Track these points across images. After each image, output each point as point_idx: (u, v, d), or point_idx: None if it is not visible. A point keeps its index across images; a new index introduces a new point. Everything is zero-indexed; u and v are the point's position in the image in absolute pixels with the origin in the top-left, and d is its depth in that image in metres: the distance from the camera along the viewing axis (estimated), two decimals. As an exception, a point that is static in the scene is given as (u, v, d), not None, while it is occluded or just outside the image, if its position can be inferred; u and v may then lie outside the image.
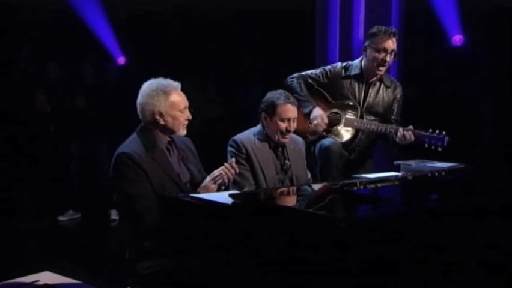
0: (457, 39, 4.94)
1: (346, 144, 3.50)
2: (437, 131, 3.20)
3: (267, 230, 1.80)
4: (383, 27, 3.44)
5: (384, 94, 3.56)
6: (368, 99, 3.53)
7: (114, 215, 5.29)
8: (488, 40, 4.93)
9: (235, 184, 2.92)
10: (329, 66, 3.67)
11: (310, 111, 3.49)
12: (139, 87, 2.65)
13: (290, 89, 3.49)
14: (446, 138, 3.16)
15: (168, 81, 2.63)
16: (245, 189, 2.90)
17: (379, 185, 2.64)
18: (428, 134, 3.22)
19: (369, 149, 3.63)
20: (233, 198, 1.95)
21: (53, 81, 5.67)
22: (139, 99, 2.62)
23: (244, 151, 3.03)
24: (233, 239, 1.88)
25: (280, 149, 3.12)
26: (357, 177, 2.97)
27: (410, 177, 2.95)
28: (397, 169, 3.38)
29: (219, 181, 2.61)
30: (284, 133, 3.05)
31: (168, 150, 2.65)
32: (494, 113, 5.16)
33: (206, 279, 1.99)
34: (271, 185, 3.02)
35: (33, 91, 5.53)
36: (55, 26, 5.76)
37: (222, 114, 6.28)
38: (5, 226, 4.93)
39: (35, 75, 5.71)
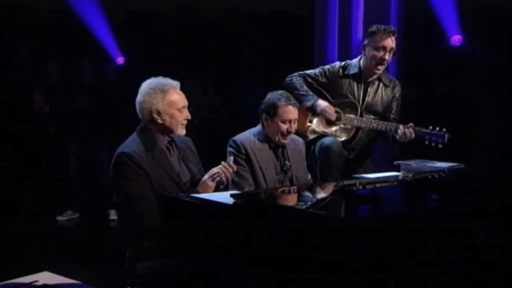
0: (456, 39, 4.94)
1: (346, 143, 3.50)
2: (437, 128, 3.20)
3: (268, 230, 1.80)
4: (382, 26, 3.45)
5: (383, 93, 3.56)
6: (367, 98, 3.53)
7: (113, 215, 5.29)
8: (488, 40, 4.93)
9: (235, 184, 2.91)
10: (327, 66, 3.67)
11: (314, 104, 3.49)
12: (139, 87, 2.65)
13: (290, 87, 3.49)
14: (446, 136, 3.17)
15: (167, 80, 2.63)
16: (245, 190, 2.89)
17: (380, 185, 2.63)
18: (428, 131, 3.23)
19: (369, 148, 3.63)
20: (234, 198, 1.94)
21: (52, 81, 5.67)
22: (138, 97, 2.63)
23: (244, 151, 3.03)
24: (233, 239, 1.88)
25: (280, 149, 3.12)
26: (358, 177, 2.97)
27: (410, 177, 2.95)
28: (397, 169, 3.39)
29: (217, 178, 2.60)
30: (285, 134, 3.05)
31: (168, 149, 2.65)
32: (494, 113, 5.16)
33: (206, 279, 1.98)
34: (271, 186, 3.01)
35: (32, 91, 5.53)
36: (54, 26, 5.77)
37: (221, 114, 6.28)
38: (3, 226, 4.93)
39: (34, 75, 5.71)
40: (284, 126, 3.03)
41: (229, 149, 3.08)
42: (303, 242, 1.68)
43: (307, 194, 2.47)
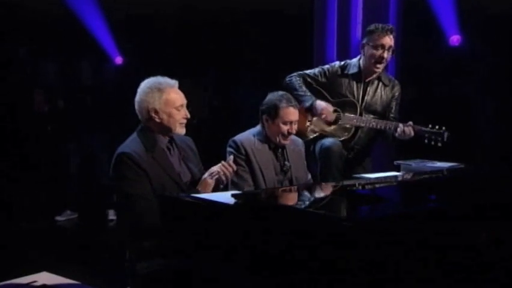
0: (455, 39, 4.95)
1: (345, 143, 3.51)
2: (437, 127, 3.21)
3: (268, 230, 1.79)
4: (380, 24, 3.46)
5: (383, 92, 3.56)
6: (366, 97, 3.54)
7: (111, 215, 5.29)
8: (486, 40, 4.94)
9: (234, 185, 2.91)
10: (327, 66, 3.67)
11: (312, 105, 3.50)
12: (138, 87, 2.65)
13: (289, 87, 3.49)
14: (446, 134, 3.18)
15: (165, 79, 2.63)
16: (245, 190, 2.89)
17: (380, 185, 2.63)
18: (427, 129, 3.24)
19: (368, 147, 3.63)
20: (235, 199, 1.94)
21: (51, 81, 5.66)
22: (136, 97, 2.63)
23: (243, 152, 3.03)
24: (234, 239, 1.87)
25: (280, 150, 3.12)
26: (358, 177, 2.97)
27: (410, 177, 2.95)
28: (397, 169, 3.39)
29: (216, 176, 2.60)
30: (286, 135, 3.05)
31: (169, 149, 2.64)
32: (494, 113, 5.17)
33: (206, 279, 1.98)
34: (271, 186, 3.01)
35: (32, 91, 5.53)
36: (53, 26, 5.76)
37: (221, 114, 6.28)
38: (2, 226, 4.91)
39: (33, 75, 5.71)
40: (285, 128, 3.03)
41: (228, 149, 3.08)
42: (304, 242, 1.67)
43: (308, 194, 2.47)
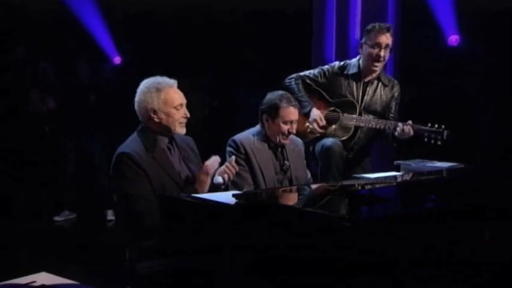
0: (453, 39, 4.95)
1: (345, 143, 3.51)
2: (436, 126, 3.22)
3: (269, 230, 1.79)
4: (377, 23, 3.48)
5: (382, 92, 3.57)
6: (365, 97, 3.54)
7: (110, 215, 5.27)
8: (485, 40, 4.94)
9: (234, 184, 2.91)
10: (326, 66, 3.68)
11: (309, 112, 3.50)
12: (137, 87, 2.65)
13: (288, 90, 3.49)
14: (445, 132, 3.18)
15: (163, 79, 2.63)
16: (244, 190, 2.89)
17: (380, 185, 2.63)
18: (427, 128, 3.24)
19: (367, 147, 3.64)
20: (235, 198, 1.94)
21: (48, 81, 5.64)
22: (136, 97, 2.63)
23: (243, 151, 3.03)
24: (234, 239, 1.87)
25: (279, 149, 3.12)
26: (358, 177, 2.97)
27: (410, 177, 2.95)
28: (397, 169, 3.39)
29: (211, 171, 2.59)
30: (286, 135, 3.06)
31: (169, 149, 2.64)
32: (494, 113, 5.17)
33: (206, 279, 1.97)
34: (270, 186, 3.01)
35: (29, 91, 5.51)
36: (51, 25, 5.75)
37: (221, 114, 6.27)
38: (0, 227, 4.90)
39: (30, 74, 5.69)
40: (285, 127, 3.03)
41: (228, 148, 3.08)
42: (304, 242, 1.67)
43: (309, 194, 2.47)
